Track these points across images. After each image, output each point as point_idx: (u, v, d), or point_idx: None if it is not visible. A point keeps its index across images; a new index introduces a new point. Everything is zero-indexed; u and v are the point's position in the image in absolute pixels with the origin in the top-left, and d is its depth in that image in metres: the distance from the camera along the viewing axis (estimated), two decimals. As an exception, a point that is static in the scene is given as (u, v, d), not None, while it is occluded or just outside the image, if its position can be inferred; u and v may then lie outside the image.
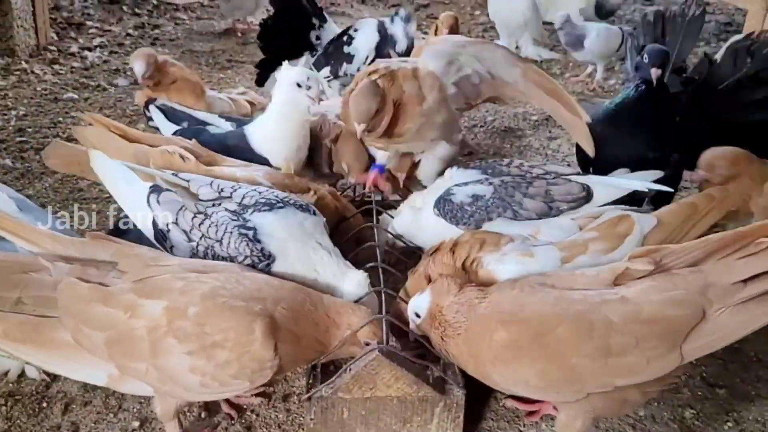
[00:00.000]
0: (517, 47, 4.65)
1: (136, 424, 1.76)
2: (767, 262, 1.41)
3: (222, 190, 1.89)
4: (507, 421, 1.82)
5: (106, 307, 1.48)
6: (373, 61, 3.30)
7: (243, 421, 1.79)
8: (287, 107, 2.29)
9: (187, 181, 1.91)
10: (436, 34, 3.16)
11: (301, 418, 1.78)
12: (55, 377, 1.86)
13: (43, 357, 1.53)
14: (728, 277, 1.43)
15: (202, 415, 1.79)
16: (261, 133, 2.33)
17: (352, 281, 1.75)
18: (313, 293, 1.65)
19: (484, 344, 1.49)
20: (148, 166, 2.08)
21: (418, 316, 1.63)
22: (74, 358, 1.50)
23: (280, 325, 1.50)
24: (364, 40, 3.32)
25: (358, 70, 3.28)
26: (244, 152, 2.30)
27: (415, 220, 2.07)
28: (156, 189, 1.86)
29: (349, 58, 3.32)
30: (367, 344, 1.61)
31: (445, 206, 1.96)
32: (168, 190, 1.87)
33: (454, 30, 3.19)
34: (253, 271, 1.68)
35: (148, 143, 2.19)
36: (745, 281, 1.42)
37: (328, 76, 3.36)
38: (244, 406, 1.82)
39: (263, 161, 2.29)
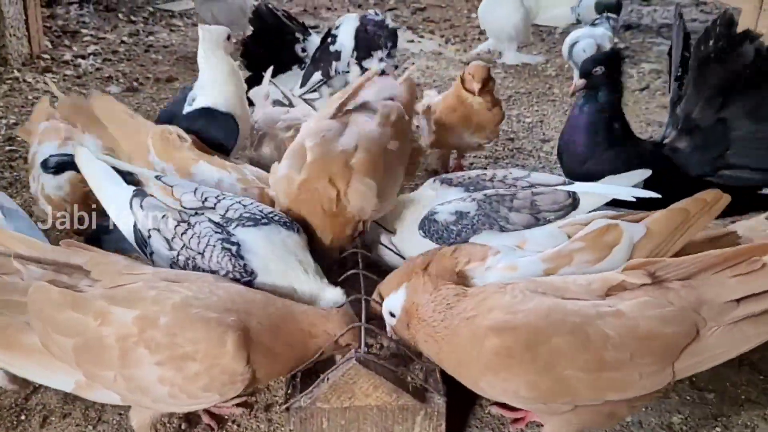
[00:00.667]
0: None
1: (116, 435, 1.74)
2: (760, 284, 1.40)
3: (206, 199, 1.87)
4: (491, 429, 1.79)
5: (75, 312, 1.47)
6: (357, 53, 3.32)
7: None
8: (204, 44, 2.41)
9: (171, 186, 1.90)
10: (464, 85, 2.79)
11: (283, 428, 1.76)
12: (34, 389, 1.84)
13: (11, 359, 1.52)
14: (722, 295, 1.41)
15: (182, 427, 1.77)
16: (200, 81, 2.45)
17: (329, 298, 1.74)
18: (286, 304, 1.63)
19: (473, 350, 1.46)
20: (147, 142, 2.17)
21: (393, 315, 1.61)
22: (42, 363, 1.49)
23: (254, 338, 1.48)
24: (347, 33, 3.32)
25: (348, 64, 3.29)
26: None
27: (402, 239, 2.04)
28: (139, 193, 1.85)
29: (337, 54, 3.32)
30: (348, 345, 1.60)
31: (430, 227, 1.92)
32: (151, 195, 1.86)
33: (486, 83, 2.76)
34: (228, 282, 1.67)
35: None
36: (738, 301, 1.41)
37: (322, 80, 3.36)
38: (226, 417, 1.80)
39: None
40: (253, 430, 1.78)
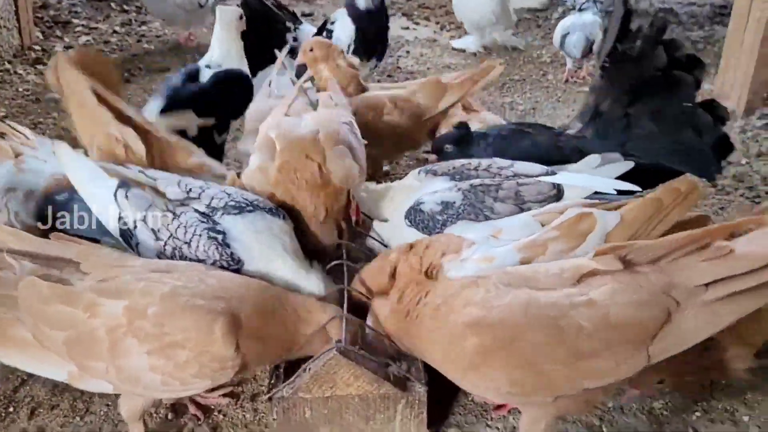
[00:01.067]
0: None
1: (104, 426, 1.76)
2: (728, 268, 1.40)
3: (190, 190, 1.86)
4: (475, 416, 1.82)
5: (65, 306, 1.48)
6: (355, 45, 3.32)
7: (210, 421, 1.79)
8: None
9: (155, 179, 1.90)
10: None
11: (268, 418, 1.78)
12: (23, 381, 1.87)
13: (4, 351, 1.54)
14: (691, 279, 1.42)
15: (169, 416, 1.80)
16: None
17: (311, 287, 1.75)
18: (281, 291, 1.65)
19: (453, 349, 1.48)
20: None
21: None
22: (34, 355, 1.52)
23: (244, 324, 1.50)
24: (342, 29, 3.33)
25: None
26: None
27: (388, 229, 2.05)
28: (124, 184, 1.83)
29: None
30: (339, 342, 1.61)
31: (416, 217, 1.93)
32: (136, 187, 1.86)
33: None
34: (219, 270, 1.68)
35: (117, 111, 2.07)
36: (706, 285, 1.41)
37: None
38: (212, 407, 1.82)
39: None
40: (238, 419, 1.80)
